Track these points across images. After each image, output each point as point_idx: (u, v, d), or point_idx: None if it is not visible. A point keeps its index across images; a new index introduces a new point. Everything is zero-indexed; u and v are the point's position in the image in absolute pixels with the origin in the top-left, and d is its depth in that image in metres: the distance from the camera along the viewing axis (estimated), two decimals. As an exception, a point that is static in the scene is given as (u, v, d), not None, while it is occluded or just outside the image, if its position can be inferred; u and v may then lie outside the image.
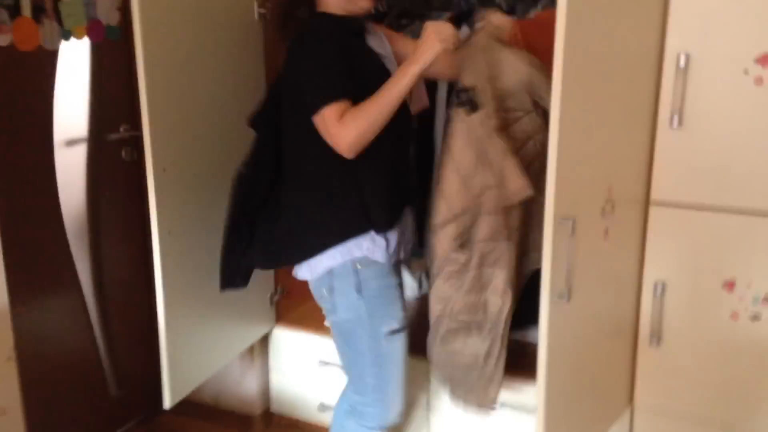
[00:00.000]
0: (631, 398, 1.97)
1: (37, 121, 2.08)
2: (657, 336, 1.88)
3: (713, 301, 1.80)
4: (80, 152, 2.24)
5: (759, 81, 1.64)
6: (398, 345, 1.87)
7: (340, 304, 1.81)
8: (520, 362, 2.13)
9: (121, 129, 2.33)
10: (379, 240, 1.77)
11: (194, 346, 2.06)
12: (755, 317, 1.77)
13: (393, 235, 1.81)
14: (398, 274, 1.91)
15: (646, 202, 1.82)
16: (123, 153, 2.35)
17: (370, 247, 1.77)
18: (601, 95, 1.56)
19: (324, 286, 1.80)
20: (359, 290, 1.79)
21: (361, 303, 1.80)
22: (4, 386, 1.81)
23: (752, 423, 1.84)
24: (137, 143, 2.36)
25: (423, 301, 2.37)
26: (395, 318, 1.85)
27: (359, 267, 1.77)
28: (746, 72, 1.64)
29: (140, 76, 1.82)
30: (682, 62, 1.68)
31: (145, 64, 1.82)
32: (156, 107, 1.84)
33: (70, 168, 2.20)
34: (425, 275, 2.43)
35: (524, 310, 2.29)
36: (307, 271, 1.81)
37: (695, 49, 1.68)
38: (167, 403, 1.96)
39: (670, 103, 1.72)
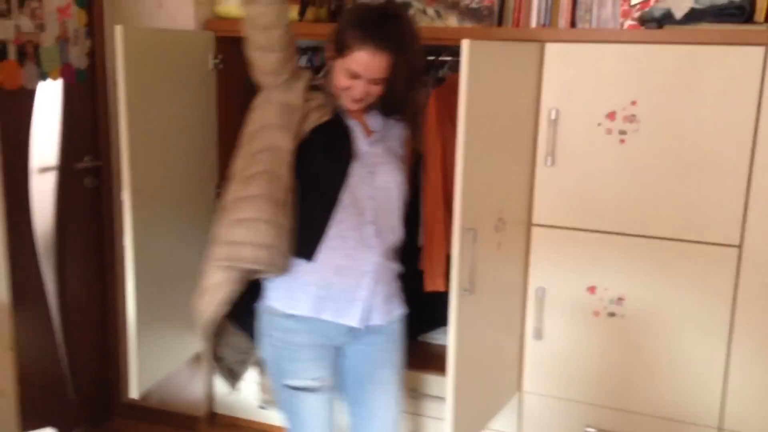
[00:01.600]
0: (519, 384, 2.43)
1: (18, 150, 2.37)
2: (539, 331, 2.35)
3: (580, 302, 2.29)
4: (51, 179, 2.53)
5: (608, 131, 2.16)
6: (309, 404, 1.84)
7: (259, 341, 1.91)
8: (427, 360, 2.56)
9: (85, 159, 2.64)
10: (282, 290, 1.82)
11: (155, 346, 2.37)
12: (612, 314, 2.27)
13: (309, 291, 1.81)
14: (328, 335, 1.86)
15: (529, 224, 2.31)
16: (85, 181, 2.66)
17: (274, 296, 1.84)
18: (493, 139, 2.03)
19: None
20: (266, 335, 1.86)
21: (267, 348, 1.87)
22: (3, 373, 2.09)
23: (612, 397, 2.32)
24: (98, 172, 2.68)
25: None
26: (301, 376, 1.83)
27: (267, 314, 1.85)
28: (599, 124, 2.17)
29: (121, 114, 2.10)
30: (553, 116, 2.19)
31: (126, 105, 2.10)
32: (131, 139, 2.16)
33: (43, 192, 2.49)
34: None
35: (428, 318, 2.74)
36: None
37: (563, 106, 2.19)
38: (135, 393, 2.25)
39: (545, 146, 2.23)
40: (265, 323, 1.85)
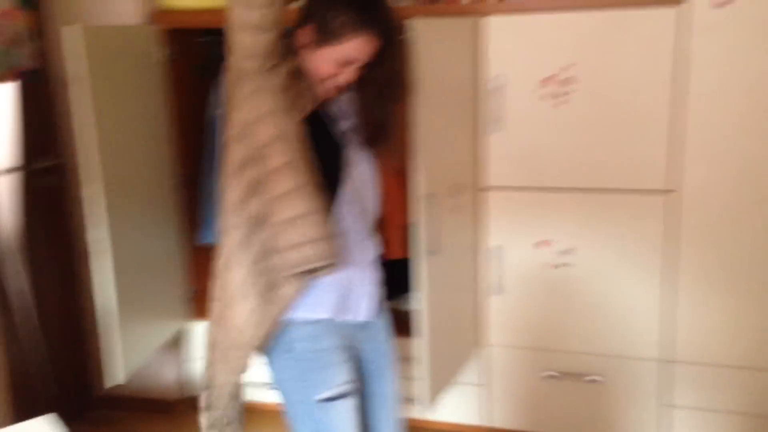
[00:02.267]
0: (483, 337, 2.59)
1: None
2: (499, 286, 2.51)
3: (534, 257, 2.47)
4: (9, 180, 2.55)
5: (548, 95, 2.33)
6: (343, 413, 1.67)
7: (273, 363, 1.68)
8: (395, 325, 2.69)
9: (43, 159, 2.66)
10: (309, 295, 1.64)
11: (130, 335, 2.43)
12: (564, 264, 2.45)
13: (331, 288, 1.67)
14: (348, 333, 1.73)
15: (482, 186, 2.46)
16: (47, 180, 2.68)
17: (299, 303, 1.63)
18: (443, 110, 2.17)
19: (264, 343, 1.66)
20: (288, 351, 1.65)
21: (290, 366, 1.66)
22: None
23: (568, 342, 2.51)
24: (58, 171, 2.70)
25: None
26: (334, 383, 1.66)
27: (288, 326, 1.64)
28: (540, 88, 2.33)
29: (78, 113, 2.15)
30: (500, 82, 2.35)
31: (76, 106, 2.14)
32: (84, 140, 2.19)
33: (4, 194, 2.51)
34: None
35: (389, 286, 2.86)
36: None
37: (504, 74, 2.35)
38: (121, 377, 2.31)
39: (492, 113, 2.38)
40: (284, 339, 1.65)
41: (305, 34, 1.62)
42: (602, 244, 2.39)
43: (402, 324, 2.63)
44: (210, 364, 1.74)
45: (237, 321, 1.63)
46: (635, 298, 2.40)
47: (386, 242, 2.62)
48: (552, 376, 2.53)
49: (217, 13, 2.58)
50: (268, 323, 1.62)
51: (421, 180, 2.00)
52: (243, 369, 1.68)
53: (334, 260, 1.58)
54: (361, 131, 1.72)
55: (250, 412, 2.84)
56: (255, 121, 1.57)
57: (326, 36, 1.59)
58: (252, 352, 1.65)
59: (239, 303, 1.62)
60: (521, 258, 2.47)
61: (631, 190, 2.33)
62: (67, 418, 2.80)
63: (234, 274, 1.62)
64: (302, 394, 1.64)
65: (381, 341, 1.86)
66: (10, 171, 2.55)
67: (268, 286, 1.60)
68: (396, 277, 2.80)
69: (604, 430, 2.54)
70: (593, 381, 2.50)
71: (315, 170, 1.58)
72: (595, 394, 2.51)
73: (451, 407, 2.68)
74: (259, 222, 1.58)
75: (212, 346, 1.72)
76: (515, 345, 2.56)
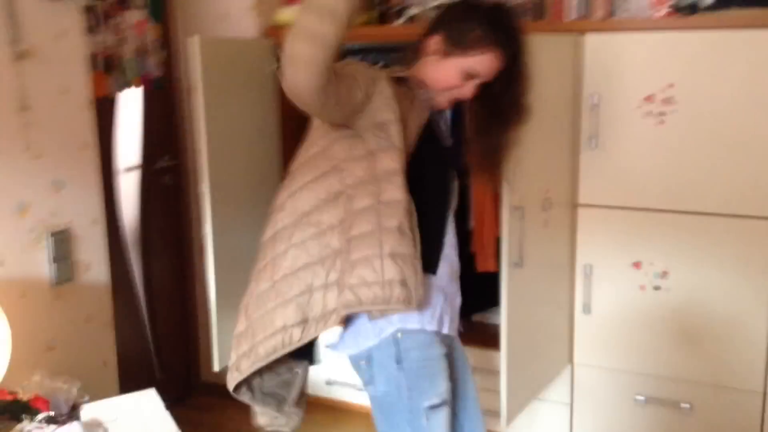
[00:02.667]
0: (570, 356, 2.58)
1: (106, 152, 2.63)
2: (587, 305, 2.50)
3: (626, 277, 2.43)
4: (135, 177, 2.79)
5: (648, 114, 2.30)
6: (445, 419, 1.68)
7: (378, 375, 1.66)
8: (482, 337, 2.73)
9: (164, 159, 2.90)
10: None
11: (231, 327, 2.59)
12: (657, 288, 2.40)
13: (437, 301, 1.69)
14: (445, 344, 1.73)
15: (575, 203, 2.45)
16: (165, 179, 2.91)
17: (402, 318, 1.63)
18: (538, 124, 2.18)
19: (362, 356, 1.67)
20: (399, 361, 1.64)
21: (401, 375, 1.65)
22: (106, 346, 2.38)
23: (659, 366, 2.45)
24: (175, 171, 2.93)
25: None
26: (440, 390, 1.68)
27: (399, 336, 1.63)
28: (639, 107, 2.31)
29: (200, 118, 2.34)
30: (594, 101, 2.35)
31: (204, 108, 2.33)
32: (208, 139, 2.39)
33: (128, 189, 2.75)
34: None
35: (481, 298, 2.89)
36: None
37: (603, 92, 2.34)
38: (216, 366, 2.48)
39: (588, 130, 2.38)
40: (396, 349, 1.63)
41: (435, 42, 1.66)
42: (700, 268, 2.32)
43: (491, 337, 2.65)
44: (236, 354, 1.76)
45: (277, 323, 1.63)
46: (740, 325, 2.31)
47: (481, 254, 2.66)
48: (641, 400, 2.48)
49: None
50: (297, 342, 1.62)
51: (510, 193, 2.03)
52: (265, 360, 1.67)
53: (405, 305, 1.54)
54: (474, 155, 1.74)
55: (337, 411, 2.96)
56: (355, 158, 1.59)
57: (457, 46, 1.63)
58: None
59: (283, 307, 1.63)
60: (612, 277, 2.45)
61: (733, 215, 2.26)
62: (172, 400, 3.02)
63: (286, 285, 1.62)
64: (411, 402, 1.64)
65: (461, 349, 1.91)
66: (134, 168, 2.79)
67: (317, 313, 1.60)
68: (488, 290, 2.84)
69: (694, 460, 2.46)
70: (685, 408, 2.43)
71: (409, 209, 1.56)
72: (686, 422, 2.44)
73: (537, 423, 2.68)
74: (335, 255, 1.58)
75: (242, 335, 1.74)
76: (603, 366, 2.53)
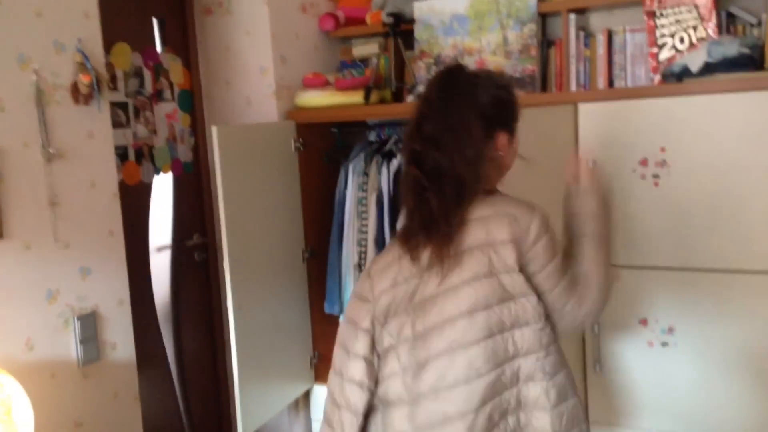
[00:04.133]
0: (586, 414, 2.61)
1: (140, 234, 2.84)
2: (599, 362, 2.54)
3: (634, 334, 2.49)
4: (166, 255, 3.00)
5: (643, 176, 2.39)
6: None
7: None
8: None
9: (194, 237, 3.10)
10: None
11: (257, 394, 2.73)
12: (664, 344, 2.45)
13: None
14: None
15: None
16: (195, 255, 3.11)
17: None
18: (538, 189, 2.30)
19: None
20: None
21: None
22: (132, 421, 2.53)
23: (674, 422, 2.47)
24: (205, 248, 3.13)
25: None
26: None
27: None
28: (633, 170, 2.40)
29: (219, 199, 2.54)
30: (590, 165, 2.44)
31: (222, 190, 2.53)
32: (229, 220, 2.58)
33: (160, 267, 2.95)
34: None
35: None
36: None
37: (599, 156, 2.42)
38: (245, 432, 2.61)
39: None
40: None
41: (502, 137, 1.69)
42: (705, 324, 2.36)
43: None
44: None
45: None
46: (747, 379, 2.33)
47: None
48: (658, 458, 2.49)
49: (341, 109, 2.96)
50: None
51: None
52: None
53: None
54: None
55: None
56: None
57: (515, 129, 1.73)
58: None
59: None
60: (620, 335, 2.50)
61: (730, 270, 2.30)
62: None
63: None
64: None
65: None
66: (166, 247, 2.99)
67: None
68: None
69: None
70: (702, 466, 2.43)
71: None
72: (705, 479, 2.44)
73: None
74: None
75: None
76: (617, 423, 2.55)
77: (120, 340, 2.44)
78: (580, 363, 2.57)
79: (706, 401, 2.40)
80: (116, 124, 2.64)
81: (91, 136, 2.32)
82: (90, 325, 2.29)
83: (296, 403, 3.10)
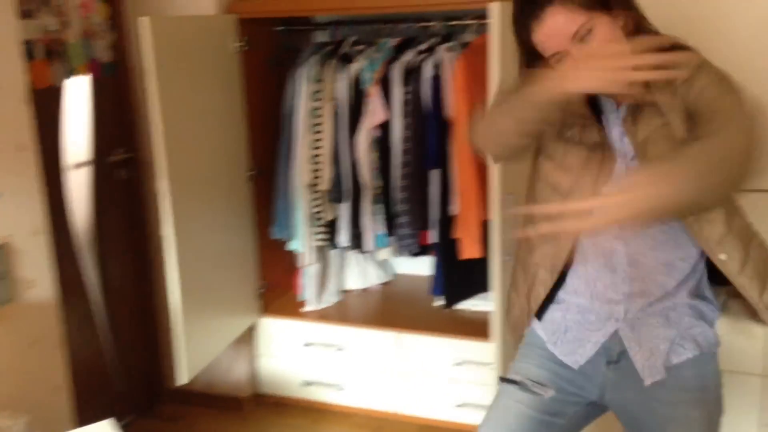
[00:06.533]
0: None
1: (51, 148, 2.39)
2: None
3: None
4: (85, 173, 2.55)
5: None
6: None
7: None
8: (467, 327, 2.59)
9: (117, 152, 2.66)
10: None
11: (199, 332, 2.41)
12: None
13: None
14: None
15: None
16: (120, 173, 2.68)
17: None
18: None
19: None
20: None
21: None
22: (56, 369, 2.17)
23: None
24: (130, 164, 2.70)
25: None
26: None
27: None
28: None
29: (152, 107, 2.14)
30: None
31: (157, 96, 2.14)
32: (164, 129, 2.18)
33: (78, 188, 2.52)
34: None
35: (465, 285, 2.76)
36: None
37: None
38: (184, 378, 2.29)
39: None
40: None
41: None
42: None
43: (479, 326, 2.51)
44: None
45: None
46: None
47: (466, 240, 2.53)
48: None
49: (297, 0, 2.53)
50: None
51: (501, 177, 1.86)
52: None
53: None
54: None
55: (315, 412, 2.80)
56: None
57: None
58: None
59: None
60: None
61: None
62: (137, 412, 2.83)
63: None
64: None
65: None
66: (85, 164, 2.55)
67: None
68: (474, 277, 2.70)
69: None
70: None
71: None
72: None
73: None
74: None
75: None
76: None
77: (38, 276, 2.08)
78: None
79: None
80: (22, 13, 2.16)
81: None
82: (1, 259, 1.88)
83: (238, 339, 2.80)
